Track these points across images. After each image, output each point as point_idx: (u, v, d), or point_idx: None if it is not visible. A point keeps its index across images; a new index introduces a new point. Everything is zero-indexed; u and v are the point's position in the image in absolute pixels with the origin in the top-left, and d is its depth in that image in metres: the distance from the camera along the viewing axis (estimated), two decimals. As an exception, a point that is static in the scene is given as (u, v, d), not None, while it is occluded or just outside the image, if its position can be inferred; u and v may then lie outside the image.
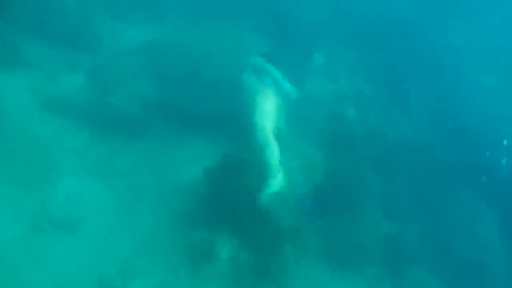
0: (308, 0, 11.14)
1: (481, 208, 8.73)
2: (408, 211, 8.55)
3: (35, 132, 7.37)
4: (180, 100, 8.26)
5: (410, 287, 7.71)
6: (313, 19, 10.85)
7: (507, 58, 11.46)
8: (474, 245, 8.36)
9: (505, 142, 9.50)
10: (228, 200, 6.87)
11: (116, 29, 9.41)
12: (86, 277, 6.21)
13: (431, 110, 10.06)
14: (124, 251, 6.59)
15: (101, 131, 7.85)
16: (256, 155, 7.06)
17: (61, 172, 7.18)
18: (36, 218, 6.55)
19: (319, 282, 7.22)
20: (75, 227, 6.67)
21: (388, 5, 11.38)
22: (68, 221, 6.68)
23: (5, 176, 6.71)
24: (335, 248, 7.64)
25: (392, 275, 7.74)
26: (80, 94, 7.97)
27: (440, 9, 11.95)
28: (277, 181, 6.86)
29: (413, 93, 10.30)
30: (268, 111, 7.66)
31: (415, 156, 8.87)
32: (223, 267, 6.63)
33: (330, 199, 7.85)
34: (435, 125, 9.72)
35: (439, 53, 11.03)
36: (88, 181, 7.27)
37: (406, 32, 11.18)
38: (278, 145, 7.20)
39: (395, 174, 8.68)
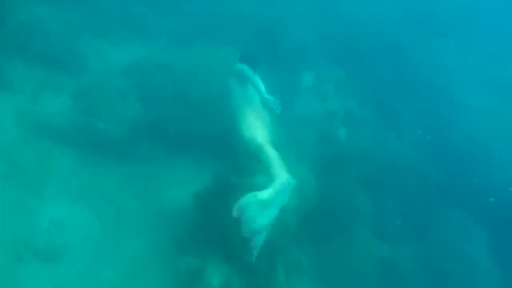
0: (295, 20, 11.18)
1: (473, 228, 8.72)
2: (400, 232, 8.50)
3: (17, 157, 7.13)
4: (168, 121, 8.11)
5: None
6: (300, 38, 10.86)
7: (495, 77, 11.61)
8: (466, 266, 8.30)
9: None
10: (218, 225, 6.66)
11: (101, 50, 9.24)
12: (70, 309, 5.97)
13: (420, 128, 10.10)
14: (109, 280, 6.34)
15: (86, 154, 7.64)
16: (246, 177, 6.91)
17: (44, 198, 6.95)
18: (17, 247, 6.29)
19: (313, 307, 7.11)
20: (59, 256, 6.43)
21: (376, 25, 11.46)
22: (51, 250, 6.43)
23: (-16, 203, 6.46)
24: (328, 271, 7.54)
25: (385, 298, 7.63)
26: (64, 117, 7.76)
27: (428, 29, 12.08)
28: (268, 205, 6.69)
29: (402, 113, 10.34)
30: (257, 131, 7.51)
31: (405, 176, 8.83)
32: (214, 295, 6.43)
33: (322, 220, 7.75)
34: (424, 144, 9.74)
35: (427, 72, 11.10)
36: (73, 207, 7.04)
37: (394, 52, 11.25)
38: (268, 167, 7.03)
39: (386, 195, 8.63)
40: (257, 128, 7.31)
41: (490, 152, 9.68)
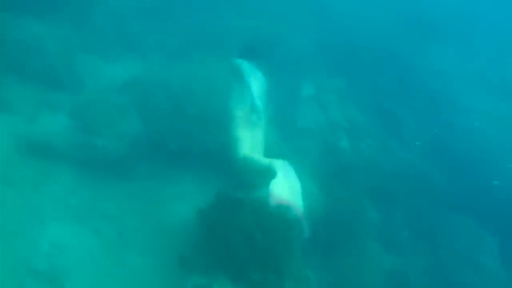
0: (292, 31, 11.13)
1: (484, 235, 8.54)
2: (409, 243, 8.34)
3: (15, 178, 6.94)
4: (167, 137, 7.96)
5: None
6: (298, 49, 10.80)
7: (496, 79, 11.55)
8: (479, 276, 8.14)
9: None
10: (223, 241, 6.49)
11: (98, 67, 9.15)
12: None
13: (424, 136, 9.99)
14: (113, 302, 6.16)
15: (86, 173, 7.45)
16: (249, 191, 6.75)
17: (44, 219, 6.73)
18: (17, 272, 6.05)
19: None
20: (61, 279, 6.19)
21: (374, 33, 11.43)
22: (53, 273, 6.18)
23: (-18, 227, 6.26)
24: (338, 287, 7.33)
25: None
26: (62, 136, 7.59)
27: (426, 35, 12.09)
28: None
29: (405, 120, 10.24)
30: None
31: (412, 184, 8.70)
32: (222, 315, 6.22)
33: (329, 234, 7.57)
34: (429, 151, 9.62)
35: (428, 78, 11.07)
36: (73, 228, 6.82)
37: (394, 59, 11.23)
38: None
39: (393, 205, 8.49)
40: (257, 141, 7.20)
41: (496, 155, 9.55)
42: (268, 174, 6.94)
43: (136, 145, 7.82)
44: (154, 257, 6.73)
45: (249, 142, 7.26)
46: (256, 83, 7.83)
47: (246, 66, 7.59)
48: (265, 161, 7.11)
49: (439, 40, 12.17)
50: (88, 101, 8.01)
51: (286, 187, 6.77)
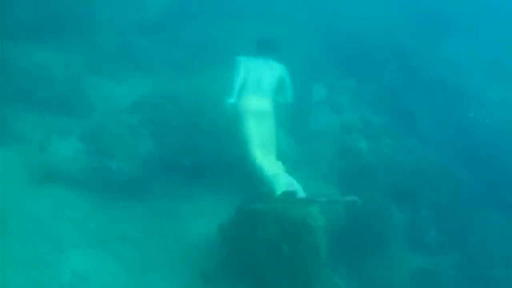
0: (297, 33, 10.96)
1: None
2: (437, 242, 8.10)
3: (31, 209, 6.85)
4: (181, 153, 7.84)
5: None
6: (304, 52, 10.62)
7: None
8: (510, 269, 7.86)
9: None
10: (247, 255, 6.34)
11: (106, 88, 9.07)
12: None
13: (443, 130, 9.74)
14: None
15: (102, 197, 7.34)
16: (269, 201, 6.58)
17: (64, 248, 6.60)
18: (40, 305, 5.98)
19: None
20: (85, 309, 6.10)
21: (381, 29, 11.20)
22: (77, 303, 6.12)
23: (2, 260, 6.11)
24: (368, 292, 7.14)
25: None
26: (75, 161, 7.49)
27: (435, 27, 11.82)
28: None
29: (421, 115, 10.00)
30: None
31: (435, 181, 8.43)
32: (251, 334, 6.05)
33: (354, 239, 7.38)
34: (450, 146, 9.38)
35: (442, 71, 10.80)
36: (94, 254, 6.69)
37: (404, 54, 10.97)
38: (291, 189, 6.67)
39: (417, 204, 8.24)
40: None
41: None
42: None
43: (150, 164, 7.71)
44: (178, 278, 6.57)
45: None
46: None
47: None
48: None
49: (450, 31, 11.92)
50: (98, 123, 7.91)
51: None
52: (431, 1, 12.45)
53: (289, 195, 5.96)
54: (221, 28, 10.79)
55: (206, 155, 7.80)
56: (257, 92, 7.03)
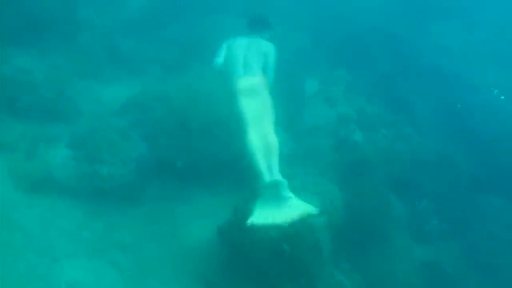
0: (287, 26, 10.75)
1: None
2: (439, 231, 8.00)
3: (20, 221, 6.61)
4: (175, 155, 7.63)
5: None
6: (295, 44, 10.44)
7: (506, 51, 11.16)
8: (514, 255, 7.79)
9: None
10: (249, 257, 6.16)
11: (93, 92, 8.82)
12: None
13: (440, 117, 9.63)
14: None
15: (95, 204, 7.12)
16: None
17: (57, 258, 6.39)
18: (36, 320, 5.78)
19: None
20: (82, 322, 5.91)
21: (372, 18, 11.04)
22: (74, 315, 5.92)
23: (-5, 275, 5.92)
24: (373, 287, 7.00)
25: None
26: (65, 169, 7.27)
27: (426, 14, 11.69)
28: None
29: (417, 104, 9.88)
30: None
31: (434, 170, 8.36)
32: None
33: (355, 233, 7.22)
34: (447, 133, 9.27)
35: (434, 58, 10.69)
36: (89, 263, 6.48)
37: (396, 43, 10.85)
38: (289, 187, 6.47)
39: (417, 194, 8.17)
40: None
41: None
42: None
43: (143, 167, 7.50)
44: (178, 284, 6.40)
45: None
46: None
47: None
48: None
49: (440, 17, 11.79)
50: (87, 128, 7.70)
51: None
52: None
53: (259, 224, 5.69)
54: (209, 23, 10.54)
55: (200, 155, 7.61)
56: (245, 71, 6.75)
